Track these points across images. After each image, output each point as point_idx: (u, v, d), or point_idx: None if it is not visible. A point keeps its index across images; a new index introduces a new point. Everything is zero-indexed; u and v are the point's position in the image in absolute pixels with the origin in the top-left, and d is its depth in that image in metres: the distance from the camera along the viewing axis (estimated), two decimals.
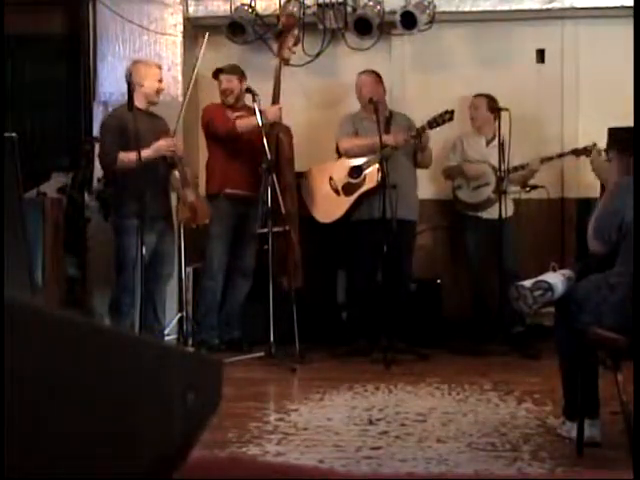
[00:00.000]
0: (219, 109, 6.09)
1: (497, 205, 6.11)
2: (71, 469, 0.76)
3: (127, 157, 5.44)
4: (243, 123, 5.91)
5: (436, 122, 5.86)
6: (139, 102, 5.55)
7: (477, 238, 6.25)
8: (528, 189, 6.41)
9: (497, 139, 6.12)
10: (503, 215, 6.10)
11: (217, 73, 6.15)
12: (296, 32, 6.15)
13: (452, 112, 5.89)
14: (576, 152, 6.14)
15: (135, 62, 5.83)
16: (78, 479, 0.77)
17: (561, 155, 6.17)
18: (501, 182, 6.10)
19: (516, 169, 6.14)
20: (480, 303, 6.32)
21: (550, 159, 6.14)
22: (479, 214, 6.24)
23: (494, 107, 6.22)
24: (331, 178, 6.15)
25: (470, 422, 3.98)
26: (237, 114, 6.04)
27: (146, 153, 5.37)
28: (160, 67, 5.85)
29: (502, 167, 6.07)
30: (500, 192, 6.07)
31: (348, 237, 6.19)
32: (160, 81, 5.72)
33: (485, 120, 6.29)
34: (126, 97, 5.45)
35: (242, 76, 6.12)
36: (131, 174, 5.41)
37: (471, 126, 6.36)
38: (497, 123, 6.00)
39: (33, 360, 0.71)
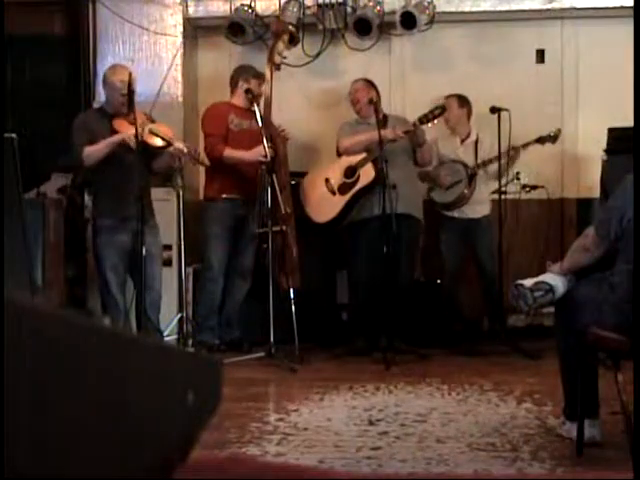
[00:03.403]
0: (221, 117, 6.05)
1: (472, 204, 6.17)
2: (71, 469, 0.76)
3: (92, 149, 5.43)
4: (233, 155, 5.91)
5: (427, 118, 5.87)
6: (108, 107, 5.62)
7: (451, 238, 6.28)
8: (528, 189, 6.43)
9: (474, 136, 6.28)
10: (477, 215, 6.21)
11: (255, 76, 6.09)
12: (286, 38, 6.15)
13: (443, 107, 5.94)
14: (541, 140, 6.16)
15: (107, 68, 5.81)
16: (78, 478, 0.77)
17: (526, 145, 6.16)
18: (473, 178, 6.18)
19: (484, 163, 6.17)
20: (450, 303, 6.33)
21: (516, 148, 6.13)
22: (454, 214, 6.27)
23: (464, 102, 6.31)
24: (327, 180, 6.15)
25: (470, 422, 3.98)
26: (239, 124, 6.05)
27: (112, 139, 5.37)
28: (129, 73, 5.48)
29: (476, 164, 6.20)
30: (471, 191, 6.17)
31: (349, 237, 6.19)
32: (129, 87, 5.39)
33: (458, 119, 6.31)
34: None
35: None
36: (104, 174, 5.46)
37: (445, 127, 6.35)
38: (497, 125, 6.01)
39: (33, 360, 0.71)
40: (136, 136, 5.26)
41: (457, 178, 6.22)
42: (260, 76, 6.05)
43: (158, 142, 5.51)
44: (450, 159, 6.29)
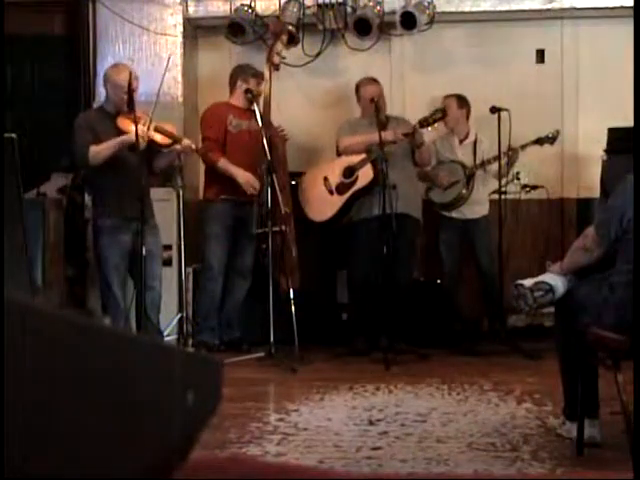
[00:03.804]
0: (219, 120, 6.03)
1: (471, 204, 6.17)
2: (71, 468, 0.76)
3: (98, 150, 5.42)
4: (227, 168, 5.89)
5: (427, 121, 5.87)
6: (108, 106, 5.61)
7: (450, 239, 6.27)
8: (528, 189, 6.43)
9: (473, 137, 6.28)
10: (476, 215, 6.21)
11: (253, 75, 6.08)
12: (285, 38, 6.15)
13: (444, 110, 5.94)
14: (539, 141, 6.16)
15: (109, 67, 5.81)
16: (78, 478, 0.77)
17: (524, 146, 6.16)
18: (471, 179, 6.17)
19: (483, 164, 6.16)
20: (450, 303, 6.32)
21: (515, 149, 6.12)
22: (452, 214, 6.26)
23: (463, 103, 6.29)
24: (326, 179, 6.15)
25: (470, 422, 3.98)
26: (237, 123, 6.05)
27: (118, 140, 5.38)
28: (129, 72, 5.47)
29: (475, 165, 6.19)
30: (469, 191, 6.17)
31: (348, 237, 6.19)
32: (130, 86, 5.37)
33: (457, 119, 6.30)
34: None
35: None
36: (105, 175, 5.46)
37: (444, 127, 6.35)
38: (497, 125, 6.00)
39: (33, 360, 0.71)
40: (136, 135, 5.26)
41: (455, 178, 6.21)
42: (259, 75, 6.04)
43: (165, 139, 5.54)
44: (449, 159, 6.29)
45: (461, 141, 6.34)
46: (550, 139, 6.16)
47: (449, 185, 6.22)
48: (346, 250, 6.25)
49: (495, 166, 6.10)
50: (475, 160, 6.22)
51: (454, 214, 6.26)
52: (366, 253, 5.95)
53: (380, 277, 5.72)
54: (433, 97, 6.62)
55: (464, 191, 6.18)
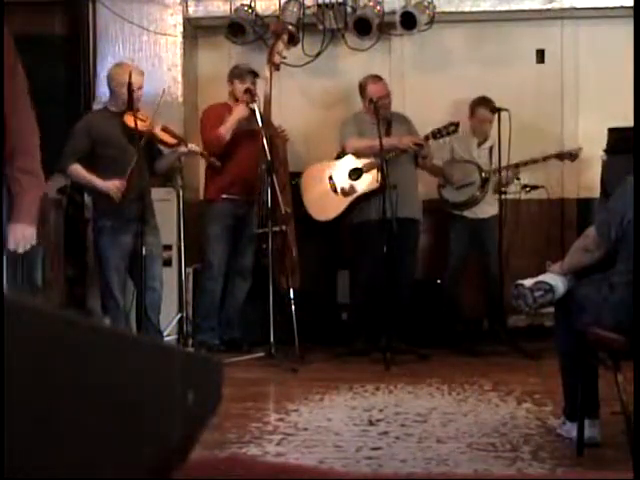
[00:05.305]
0: (217, 119, 6.03)
1: (481, 204, 6.17)
2: (71, 469, 0.76)
3: (77, 174, 5.56)
4: (227, 126, 5.89)
5: (440, 133, 5.88)
6: (113, 106, 5.62)
7: (460, 237, 6.27)
8: (528, 189, 6.43)
9: (491, 141, 6.25)
10: (486, 215, 6.21)
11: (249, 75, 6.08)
12: (285, 38, 6.15)
13: (457, 124, 5.93)
14: (560, 156, 6.16)
15: (112, 66, 5.82)
16: (78, 479, 0.77)
17: (547, 158, 6.16)
18: (486, 183, 6.15)
19: (499, 171, 6.13)
20: (450, 303, 6.31)
21: (536, 160, 6.13)
22: (463, 213, 6.26)
23: (494, 109, 6.21)
24: (331, 177, 6.14)
25: (470, 422, 3.98)
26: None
27: (96, 183, 5.50)
28: (130, 70, 5.51)
29: (490, 169, 6.19)
30: (483, 193, 6.18)
31: (351, 238, 6.18)
32: (130, 84, 5.41)
33: (485, 124, 6.26)
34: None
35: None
36: (105, 176, 5.48)
37: (470, 129, 6.33)
38: (497, 125, 6.00)
39: (33, 360, 0.71)
40: (133, 135, 5.30)
41: (470, 180, 6.19)
42: (246, 76, 6.02)
43: (170, 138, 5.57)
44: (464, 159, 6.26)
45: (479, 144, 6.32)
46: (572, 156, 6.16)
47: (463, 185, 6.21)
48: (349, 252, 6.24)
49: (510, 172, 6.11)
50: (491, 164, 6.20)
51: (466, 213, 6.25)
52: (370, 255, 5.94)
53: (384, 278, 5.71)
54: (433, 97, 6.63)
55: (478, 193, 6.17)
